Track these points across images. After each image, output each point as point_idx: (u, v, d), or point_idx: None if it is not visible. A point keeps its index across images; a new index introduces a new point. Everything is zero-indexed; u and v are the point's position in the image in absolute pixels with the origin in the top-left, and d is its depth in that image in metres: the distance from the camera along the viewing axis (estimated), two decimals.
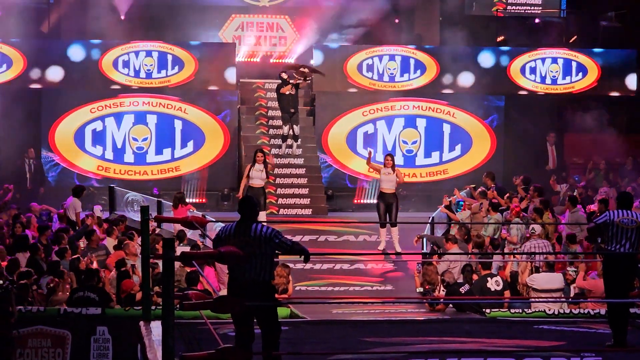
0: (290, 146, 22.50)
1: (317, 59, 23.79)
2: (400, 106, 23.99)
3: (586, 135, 24.68)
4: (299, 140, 22.57)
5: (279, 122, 22.78)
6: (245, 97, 24.04)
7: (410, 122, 23.99)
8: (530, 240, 16.47)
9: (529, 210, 18.37)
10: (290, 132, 22.23)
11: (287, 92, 21.95)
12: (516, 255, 16.40)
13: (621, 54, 24.47)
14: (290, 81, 22.01)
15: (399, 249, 17.99)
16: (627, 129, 25.45)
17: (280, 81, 22.24)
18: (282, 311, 12.65)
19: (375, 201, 19.22)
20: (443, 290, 15.20)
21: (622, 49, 24.50)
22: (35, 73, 23.03)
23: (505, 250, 17.34)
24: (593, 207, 18.74)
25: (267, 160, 19.21)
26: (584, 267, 15.08)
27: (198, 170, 23.17)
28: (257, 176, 18.90)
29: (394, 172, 18.36)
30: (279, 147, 22.65)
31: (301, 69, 22.35)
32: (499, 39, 25.27)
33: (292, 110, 22.10)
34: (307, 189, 22.28)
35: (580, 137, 24.90)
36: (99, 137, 23.29)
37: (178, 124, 23.48)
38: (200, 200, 22.96)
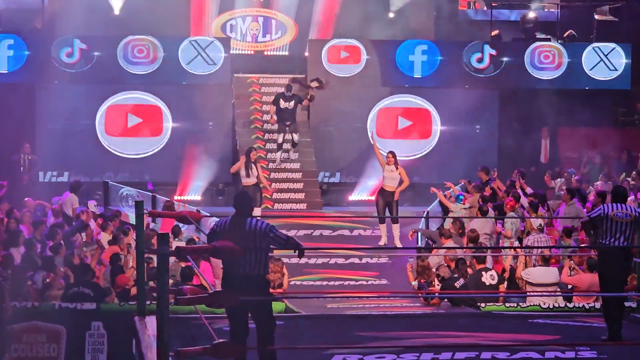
0: (287, 151, 22.36)
1: (311, 53, 23.76)
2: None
3: (580, 129, 24.65)
4: (297, 146, 22.43)
5: (275, 127, 22.67)
6: (239, 92, 23.89)
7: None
8: (532, 234, 16.49)
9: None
10: (289, 137, 22.10)
11: (284, 107, 21.87)
12: (515, 250, 16.41)
13: (615, 48, 24.36)
14: (292, 94, 21.92)
15: (399, 245, 17.98)
16: (621, 123, 25.46)
17: (282, 91, 22.10)
18: (277, 306, 12.64)
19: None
20: (438, 285, 15.21)
21: (616, 43, 24.42)
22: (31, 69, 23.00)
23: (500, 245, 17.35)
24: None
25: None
26: (568, 263, 15.08)
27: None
28: (249, 174, 18.91)
29: (397, 170, 18.27)
30: (275, 152, 22.48)
31: (310, 84, 22.36)
32: (494, 33, 25.20)
33: (288, 123, 21.98)
34: (302, 183, 22.23)
35: (574, 131, 24.87)
36: None
37: None
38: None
